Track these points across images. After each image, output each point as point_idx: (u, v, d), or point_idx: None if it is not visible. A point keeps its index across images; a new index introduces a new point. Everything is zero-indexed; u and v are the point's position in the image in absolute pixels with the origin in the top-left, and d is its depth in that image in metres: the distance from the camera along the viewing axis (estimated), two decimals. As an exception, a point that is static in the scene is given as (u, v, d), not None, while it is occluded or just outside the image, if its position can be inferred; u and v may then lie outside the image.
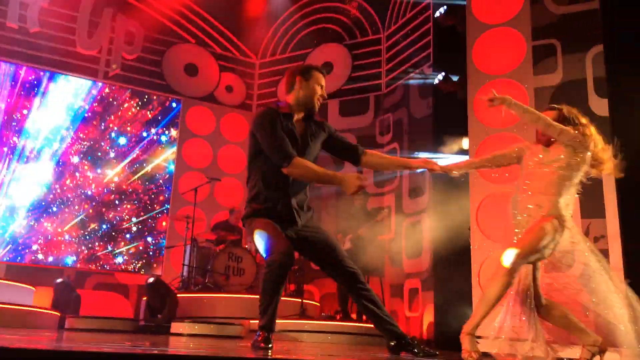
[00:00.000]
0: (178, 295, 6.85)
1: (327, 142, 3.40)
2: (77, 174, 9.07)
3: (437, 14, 7.53)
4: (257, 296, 6.70)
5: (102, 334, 5.25)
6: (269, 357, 2.62)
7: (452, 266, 6.25)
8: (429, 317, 6.78)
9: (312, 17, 9.98)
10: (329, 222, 8.46)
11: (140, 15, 9.67)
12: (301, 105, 3.24)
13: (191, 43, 10.08)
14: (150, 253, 9.40)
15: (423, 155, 7.63)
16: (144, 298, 7.17)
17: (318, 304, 7.69)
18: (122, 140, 9.51)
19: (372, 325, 6.21)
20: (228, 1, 9.98)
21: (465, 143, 6.53)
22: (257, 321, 5.98)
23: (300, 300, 6.72)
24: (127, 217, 9.30)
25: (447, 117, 7.48)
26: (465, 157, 6.17)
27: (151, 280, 6.89)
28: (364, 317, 6.64)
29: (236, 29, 10.39)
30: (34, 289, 6.59)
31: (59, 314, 6.57)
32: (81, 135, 9.23)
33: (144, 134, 9.69)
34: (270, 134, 3.07)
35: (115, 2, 9.44)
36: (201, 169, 9.61)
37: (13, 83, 8.81)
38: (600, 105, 5.52)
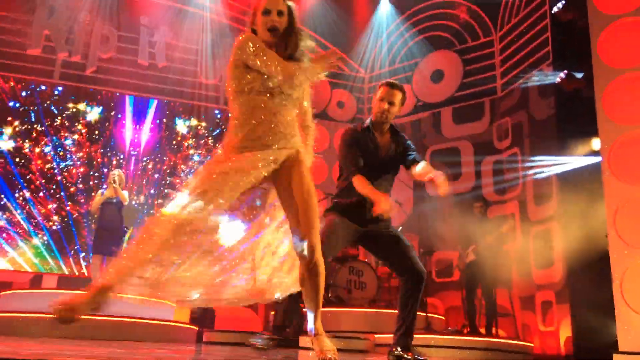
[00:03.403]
0: (303, 309, 7.02)
1: (403, 155, 3.56)
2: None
3: (555, 9, 7.15)
4: (380, 310, 6.68)
5: (237, 348, 5.53)
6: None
7: (589, 277, 5.82)
8: (566, 332, 6.36)
9: (419, 26, 9.90)
10: (448, 234, 8.27)
11: (254, 42, 10.18)
12: (374, 119, 3.48)
13: (302, 63, 10.40)
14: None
15: (547, 159, 7.24)
16: (272, 312, 7.45)
17: (443, 318, 7.50)
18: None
19: (503, 340, 5.95)
20: (335, 19, 10.21)
21: (595, 144, 6.09)
22: (383, 335, 5.96)
23: (424, 313, 6.61)
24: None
25: (572, 117, 7.05)
26: (598, 159, 5.74)
27: (277, 295, 7.14)
28: (494, 332, 6.39)
29: (345, 45, 10.58)
30: (174, 305, 7.10)
31: (197, 328, 7.03)
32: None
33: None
34: (342, 154, 3.47)
35: (232, 32, 10.03)
36: (317, 185, 9.83)
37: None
38: None
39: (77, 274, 8.59)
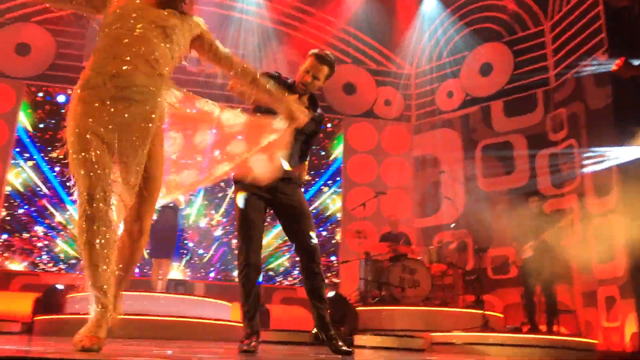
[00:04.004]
0: (357, 308, 7.03)
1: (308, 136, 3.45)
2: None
3: (609, -6, 6.89)
4: (435, 308, 6.58)
5: (293, 346, 5.59)
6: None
7: (655, 270, 5.58)
8: (631, 327, 6.12)
9: (466, 19, 9.73)
10: (503, 230, 8.09)
11: (299, 43, 10.26)
12: (296, 86, 3.34)
13: (347, 63, 10.42)
14: (327, 268, 9.81)
15: (606, 149, 6.99)
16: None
17: (501, 316, 7.35)
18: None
19: (566, 338, 5.77)
20: (380, 17, 10.16)
21: (657, 132, 5.83)
22: (439, 333, 5.88)
23: (481, 311, 6.49)
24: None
25: (631, 106, 6.78)
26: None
27: (331, 294, 7.17)
28: (555, 328, 6.22)
29: (390, 43, 10.52)
30: (230, 304, 7.24)
31: (253, 328, 7.13)
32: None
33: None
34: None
35: (277, 35, 10.13)
36: (367, 183, 9.82)
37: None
38: None
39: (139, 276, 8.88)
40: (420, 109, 10.44)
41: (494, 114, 9.18)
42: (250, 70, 2.74)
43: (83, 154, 2.21)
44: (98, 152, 2.22)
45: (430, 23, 10.23)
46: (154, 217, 6.84)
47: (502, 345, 5.67)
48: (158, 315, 6.17)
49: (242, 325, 3.35)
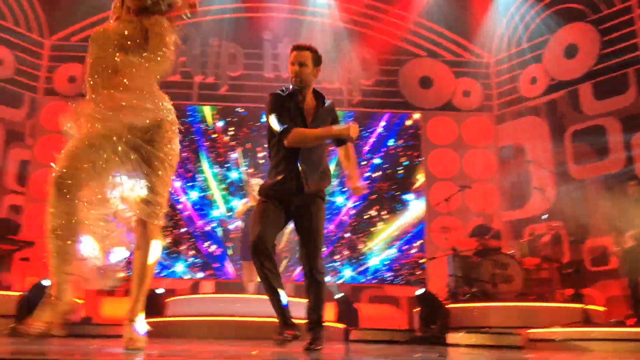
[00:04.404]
0: (448, 305, 6.91)
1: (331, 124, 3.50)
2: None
3: None
4: (531, 303, 6.34)
5: (385, 346, 5.59)
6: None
7: None
8: None
9: (545, 0, 9.29)
10: (599, 219, 7.66)
11: (373, 41, 10.24)
12: (293, 85, 3.40)
13: (423, 57, 10.26)
14: (413, 265, 9.69)
15: None
16: (415, 309, 7.42)
17: (603, 309, 6.95)
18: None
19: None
20: (453, 6, 9.92)
21: None
22: (536, 330, 5.67)
23: (580, 306, 6.18)
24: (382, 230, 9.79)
25: None
26: None
27: (421, 292, 7.10)
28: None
29: (466, 32, 10.25)
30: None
31: (344, 327, 7.21)
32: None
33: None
34: (270, 118, 3.35)
35: (350, 33, 10.16)
36: (449, 178, 9.63)
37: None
38: None
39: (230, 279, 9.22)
40: (501, 98, 10.09)
41: (582, 97, 8.71)
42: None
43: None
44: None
45: (507, 8, 9.86)
46: (240, 221, 7.05)
47: (605, 340, 5.37)
48: (251, 317, 6.38)
49: (306, 319, 3.45)
